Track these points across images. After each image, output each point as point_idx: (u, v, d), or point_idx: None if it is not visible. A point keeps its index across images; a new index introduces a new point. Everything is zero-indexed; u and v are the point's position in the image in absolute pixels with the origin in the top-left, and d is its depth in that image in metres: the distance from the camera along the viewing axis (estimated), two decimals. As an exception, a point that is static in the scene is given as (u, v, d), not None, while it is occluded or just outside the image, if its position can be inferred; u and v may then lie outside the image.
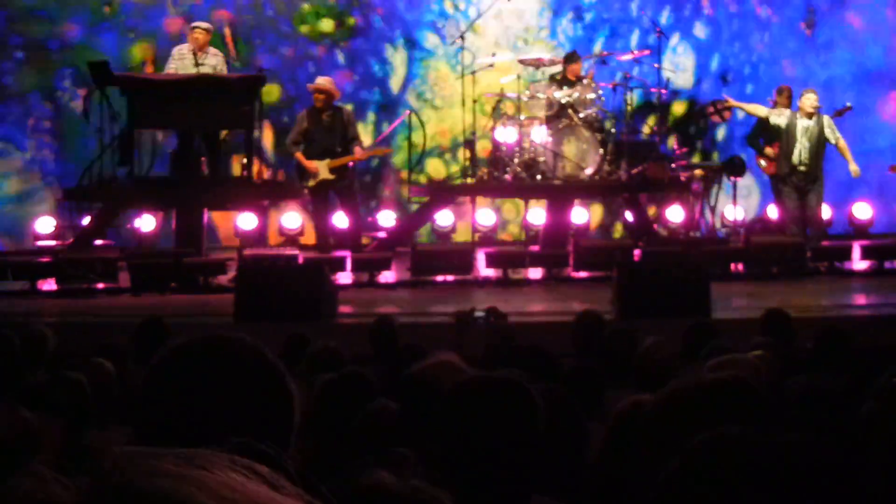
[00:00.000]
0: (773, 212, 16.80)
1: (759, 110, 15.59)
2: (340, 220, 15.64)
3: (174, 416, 2.18)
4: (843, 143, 15.18)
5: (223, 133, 15.70)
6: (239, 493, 1.02)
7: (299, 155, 15.19)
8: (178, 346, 2.29)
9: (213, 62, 15.46)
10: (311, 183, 15.12)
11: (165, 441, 2.09)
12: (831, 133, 15.13)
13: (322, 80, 15.63)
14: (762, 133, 16.07)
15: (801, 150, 15.03)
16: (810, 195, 15.15)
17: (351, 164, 15.38)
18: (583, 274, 14.50)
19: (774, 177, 15.83)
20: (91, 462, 1.06)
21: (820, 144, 15.08)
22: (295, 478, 1.16)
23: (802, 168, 15.03)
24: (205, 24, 15.82)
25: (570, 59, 16.29)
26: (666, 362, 6.71)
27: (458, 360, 4.34)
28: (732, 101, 16.19)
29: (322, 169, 15.05)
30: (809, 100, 15.17)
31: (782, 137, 15.15)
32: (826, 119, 15.25)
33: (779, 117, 15.17)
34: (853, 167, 15.18)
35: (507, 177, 15.77)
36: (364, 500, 1.68)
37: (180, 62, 15.40)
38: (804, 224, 15.14)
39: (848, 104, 16.63)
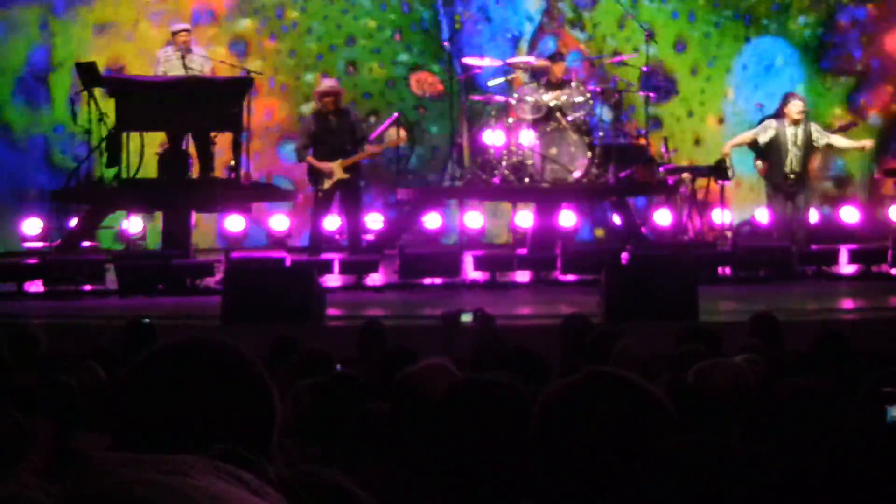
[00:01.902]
0: (760, 216, 16.83)
1: (746, 136, 15.60)
2: (333, 222, 15.62)
3: (154, 419, 2.18)
4: (836, 141, 15.37)
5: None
6: (219, 501, 1.01)
7: (311, 159, 15.18)
8: (158, 349, 2.28)
9: (200, 61, 15.49)
10: (327, 185, 15.13)
11: (145, 445, 2.08)
12: (820, 137, 15.21)
13: (330, 84, 15.65)
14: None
15: (792, 159, 15.08)
16: (798, 198, 15.23)
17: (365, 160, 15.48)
18: (570, 277, 14.51)
19: (766, 182, 15.83)
20: (76, 467, 1.05)
21: (808, 150, 15.17)
22: (277, 484, 1.16)
23: (793, 176, 15.10)
24: (185, 25, 15.86)
25: (554, 58, 16.33)
26: (639, 365, 6.71)
27: (449, 364, 4.35)
28: (727, 148, 16.02)
29: (336, 169, 15.07)
30: (796, 106, 15.21)
31: (773, 147, 15.17)
32: (812, 125, 15.34)
33: (765, 132, 15.23)
34: (863, 143, 15.54)
35: (495, 179, 15.78)
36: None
37: (167, 64, 15.40)
38: (791, 228, 15.21)
39: (853, 119, 16.76)
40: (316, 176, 15.21)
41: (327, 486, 1.78)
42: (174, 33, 15.62)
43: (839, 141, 15.47)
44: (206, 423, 2.13)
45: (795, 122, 15.13)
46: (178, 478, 1.03)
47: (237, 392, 2.20)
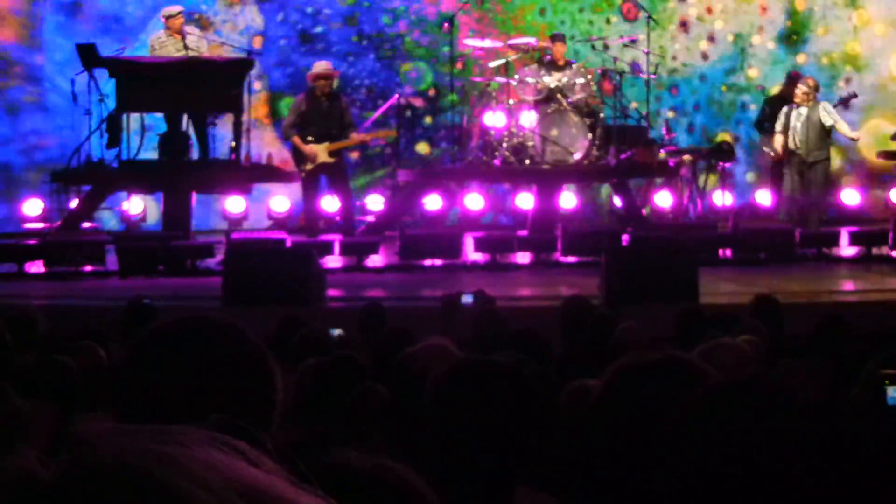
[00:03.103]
0: (762, 197, 16.84)
1: (778, 137, 15.67)
2: (331, 203, 15.65)
3: (156, 396, 2.19)
4: (840, 125, 15.44)
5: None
6: (216, 471, 1.02)
7: (297, 139, 15.21)
8: (159, 327, 2.31)
9: (196, 42, 15.46)
10: (310, 167, 15.15)
11: (147, 422, 2.10)
12: (827, 117, 15.34)
13: (325, 66, 15.63)
14: (770, 118, 16.18)
15: (793, 136, 15.27)
16: (810, 180, 15.37)
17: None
18: (571, 259, 14.51)
19: (778, 162, 15.90)
20: (72, 439, 1.06)
21: (816, 130, 15.28)
22: (274, 454, 1.16)
23: (800, 152, 15.27)
24: (178, 7, 15.78)
25: (555, 38, 16.32)
26: (639, 346, 6.71)
27: (450, 345, 4.34)
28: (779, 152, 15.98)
29: (321, 153, 15.09)
30: (800, 89, 15.44)
31: (784, 128, 15.41)
32: (822, 105, 15.47)
33: (780, 120, 15.45)
34: (851, 135, 15.67)
35: (496, 161, 15.77)
36: (332, 478, 1.67)
37: (162, 50, 15.36)
38: (803, 207, 15.35)
39: (853, 92, 16.79)
40: (299, 157, 15.24)
41: (359, 472, 1.76)
42: (168, 17, 15.56)
43: (841, 126, 15.53)
44: (209, 399, 2.14)
45: (802, 103, 15.30)
46: (175, 447, 1.03)
47: (239, 369, 2.21)
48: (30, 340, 7.35)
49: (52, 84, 17.54)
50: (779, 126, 15.51)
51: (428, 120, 18.25)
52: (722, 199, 16.74)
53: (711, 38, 18.89)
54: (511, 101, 15.84)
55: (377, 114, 16.96)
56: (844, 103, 16.83)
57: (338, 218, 15.72)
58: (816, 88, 15.71)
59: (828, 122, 15.36)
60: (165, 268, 13.95)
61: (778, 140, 15.58)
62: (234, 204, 16.75)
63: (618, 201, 16.58)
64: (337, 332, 8.17)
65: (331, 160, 15.16)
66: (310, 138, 15.07)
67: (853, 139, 15.94)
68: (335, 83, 15.61)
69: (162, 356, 2.23)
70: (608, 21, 18.58)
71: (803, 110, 15.37)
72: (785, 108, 15.56)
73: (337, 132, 15.26)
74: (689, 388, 2.39)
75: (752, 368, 5.37)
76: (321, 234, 15.11)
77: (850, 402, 4.75)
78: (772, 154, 15.85)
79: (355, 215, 15.85)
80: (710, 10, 18.82)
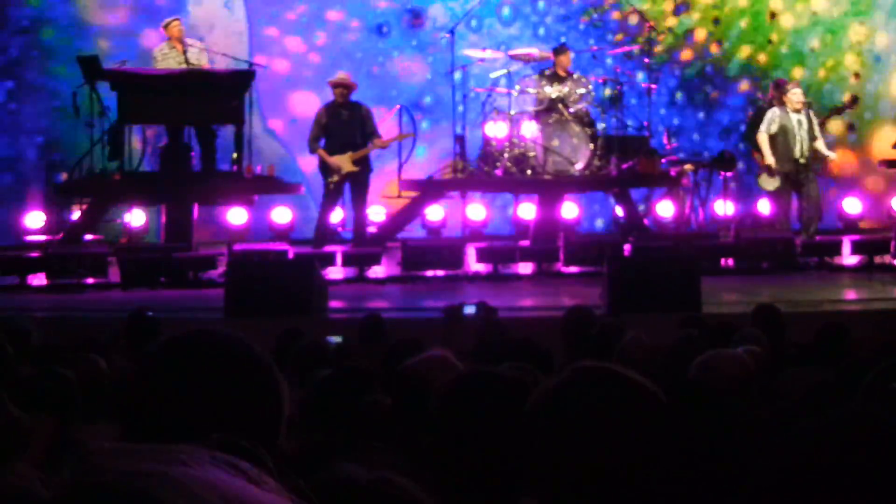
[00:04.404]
0: (763, 207, 16.83)
1: (765, 138, 15.50)
2: (350, 212, 15.70)
3: (164, 410, 2.19)
4: (821, 140, 15.44)
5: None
6: (217, 490, 1.02)
7: (321, 152, 15.27)
8: (167, 340, 2.30)
9: (197, 54, 15.48)
10: (336, 178, 15.19)
11: (155, 436, 2.09)
12: (816, 126, 15.35)
13: (341, 75, 15.68)
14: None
15: (801, 143, 15.22)
16: (810, 186, 15.32)
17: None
18: (573, 269, 14.50)
19: (771, 172, 15.75)
20: (73, 458, 1.05)
21: (812, 137, 15.28)
22: (275, 473, 1.16)
23: (803, 161, 15.23)
24: (176, 17, 15.81)
25: (559, 51, 16.31)
26: (645, 357, 6.70)
27: (451, 356, 4.33)
28: (770, 160, 15.78)
29: (345, 163, 15.14)
30: (796, 95, 15.41)
31: (779, 136, 15.28)
32: (812, 113, 15.48)
33: (773, 124, 15.32)
34: (826, 152, 15.59)
35: (498, 172, 15.77)
36: (333, 494, 1.66)
37: (165, 62, 15.38)
38: (804, 216, 15.32)
39: (853, 97, 16.80)
40: (325, 169, 15.28)
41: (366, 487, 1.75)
42: (165, 26, 15.59)
43: (820, 143, 15.51)
44: (217, 413, 2.14)
45: (797, 110, 15.26)
46: (177, 467, 1.03)
47: (247, 382, 2.21)
48: (24, 352, 7.33)
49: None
50: (774, 127, 15.35)
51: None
52: (724, 208, 16.73)
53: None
54: (512, 112, 15.85)
55: (378, 124, 16.93)
56: (841, 111, 16.84)
57: (340, 228, 15.72)
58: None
59: (816, 129, 15.38)
60: (167, 279, 13.95)
61: (764, 142, 15.48)
62: (236, 216, 16.72)
63: (620, 211, 16.58)
64: (336, 339, 8.16)
65: (355, 169, 15.22)
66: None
67: (829, 157, 15.90)
68: (352, 92, 15.59)
69: (170, 370, 2.24)
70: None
71: (801, 117, 15.31)
72: (778, 112, 15.40)
73: (360, 141, 15.32)
74: (608, 396, 2.39)
75: (752, 379, 5.37)
76: (326, 246, 15.12)
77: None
78: (770, 164, 15.69)
79: (367, 226, 15.83)
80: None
